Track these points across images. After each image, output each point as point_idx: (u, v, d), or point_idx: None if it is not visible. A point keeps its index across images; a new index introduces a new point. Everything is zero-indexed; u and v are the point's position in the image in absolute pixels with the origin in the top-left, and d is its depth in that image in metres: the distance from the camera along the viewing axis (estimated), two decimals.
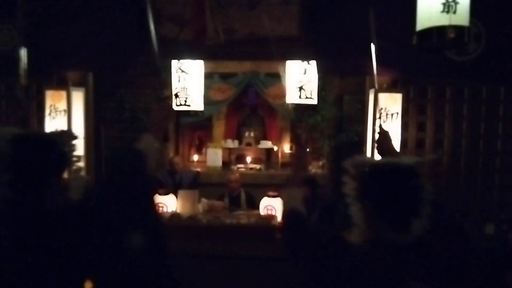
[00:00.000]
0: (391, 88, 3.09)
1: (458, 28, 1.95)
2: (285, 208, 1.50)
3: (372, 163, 1.30)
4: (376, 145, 1.80)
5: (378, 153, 1.76)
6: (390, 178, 1.20)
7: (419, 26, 2.06)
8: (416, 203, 1.18)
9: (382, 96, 3.01)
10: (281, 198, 1.60)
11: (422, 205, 1.18)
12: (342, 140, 4.41)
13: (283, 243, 1.46)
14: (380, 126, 1.84)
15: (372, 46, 2.50)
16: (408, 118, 3.20)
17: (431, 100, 3.25)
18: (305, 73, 3.86)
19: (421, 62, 3.01)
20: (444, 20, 1.94)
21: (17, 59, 3.30)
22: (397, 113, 3.00)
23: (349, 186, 1.28)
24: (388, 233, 1.17)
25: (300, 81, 3.87)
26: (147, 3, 1.59)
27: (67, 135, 1.33)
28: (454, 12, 1.94)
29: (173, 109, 1.68)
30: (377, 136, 1.81)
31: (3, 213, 1.16)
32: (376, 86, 2.54)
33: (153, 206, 1.44)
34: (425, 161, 1.27)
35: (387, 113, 3.00)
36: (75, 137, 1.35)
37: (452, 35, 1.93)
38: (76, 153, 1.34)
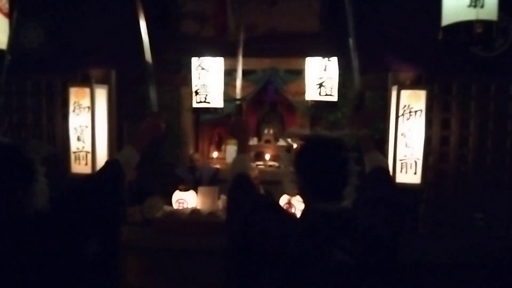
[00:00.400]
0: (414, 84, 3.03)
1: (485, 23, 1.89)
2: (235, 172, 1.57)
3: (304, 135, 1.36)
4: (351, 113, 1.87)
5: (351, 120, 1.82)
6: (319, 150, 1.27)
7: (444, 21, 2.01)
8: (343, 174, 1.24)
9: (405, 93, 2.96)
10: (232, 164, 1.68)
11: (349, 176, 1.24)
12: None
13: (226, 203, 1.52)
14: (360, 95, 1.91)
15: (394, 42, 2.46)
16: (432, 115, 3.14)
17: (456, 97, 3.17)
18: (325, 69, 3.81)
19: (446, 58, 2.95)
20: (471, 14, 1.89)
21: (43, 56, 3.39)
22: (421, 111, 2.94)
23: (285, 158, 1.38)
24: (317, 203, 1.24)
25: (320, 77, 3.82)
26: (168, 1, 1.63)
27: (40, 147, 1.32)
28: (482, 7, 1.88)
29: (160, 127, 1.77)
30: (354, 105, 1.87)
31: None
32: (399, 82, 2.49)
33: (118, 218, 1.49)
34: (353, 134, 1.40)
35: (411, 110, 2.94)
36: (47, 149, 1.33)
37: (479, 30, 1.88)
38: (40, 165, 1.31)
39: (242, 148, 1.71)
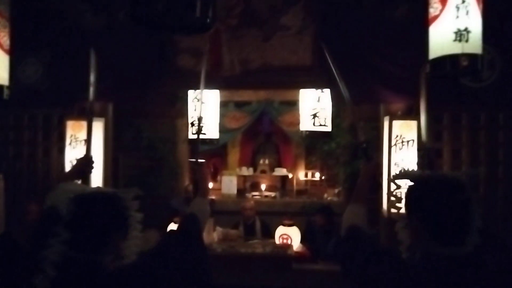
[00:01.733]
0: (405, 115, 3.09)
1: (471, 56, 1.98)
2: (347, 224, 1.46)
3: (418, 176, 1.26)
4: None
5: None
6: (439, 192, 1.17)
7: (431, 55, 2.09)
8: (466, 216, 1.14)
9: (396, 123, 3.02)
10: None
11: (472, 218, 1.15)
12: (357, 167, 4.38)
13: (340, 257, 1.44)
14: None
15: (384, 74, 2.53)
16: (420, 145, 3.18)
17: (447, 127, 3.23)
18: (318, 100, 3.91)
19: (436, 89, 3.02)
20: (456, 48, 1.97)
21: (40, 91, 3.45)
22: (413, 140, 2.99)
23: (393, 203, 1.28)
24: (438, 248, 1.14)
25: (314, 108, 3.90)
26: (166, 37, 1.69)
27: (131, 193, 1.33)
28: (467, 41, 1.96)
29: (207, 173, 1.85)
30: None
31: (62, 272, 1.16)
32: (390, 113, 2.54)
33: None
34: (472, 173, 1.25)
35: (403, 140, 2.99)
36: (138, 195, 1.34)
37: (465, 63, 1.96)
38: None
39: (359, 199, 1.55)
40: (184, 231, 1.52)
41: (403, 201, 1.24)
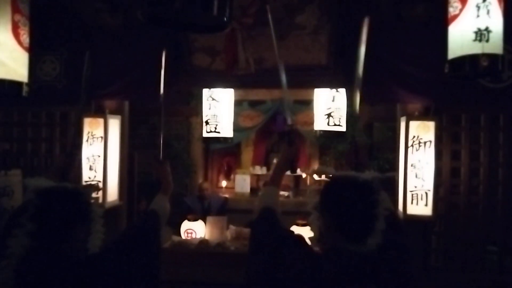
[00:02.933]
0: (423, 115, 3.05)
1: (491, 56, 1.93)
2: (261, 205, 1.53)
3: (331, 174, 1.35)
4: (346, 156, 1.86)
5: (347, 163, 1.82)
6: (348, 191, 1.25)
7: (450, 55, 2.05)
8: (371, 217, 1.21)
9: (413, 124, 2.97)
10: (259, 196, 1.63)
11: (377, 220, 1.21)
12: (372, 167, 4.34)
13: (250, 236, 1.51)
14: (355, 140, 1.89)
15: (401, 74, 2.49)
16: (442, 146, 3.13)
17: (465, 128, 3.18)
18: (333, 100, 3.88)
19: (454, 89, 2.97)
20: (476, 48, 1.93)
21: (58, 88, 3.50)
22: (430, 142, 2.94)
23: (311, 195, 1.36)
24: (344, 243, 1.22)
25: (329, 108, 3.88)
26: (182, 36, 1.71)
27: (92, 188, 1.44)
28: (487, 41, 1.92)
29: (168, 172, 1.83)
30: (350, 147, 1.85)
31: (25, 262, 1.22)
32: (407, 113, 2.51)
33: None
34: (383, 178, 1.32)
35: (420, 141, 2.94)
36: (99, 189, 1.46)
37: (485, 64, 1.91)
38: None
39: (275, 181, 1.60)
40: (143, 227, 1.55)
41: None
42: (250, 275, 1.37)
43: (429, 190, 2.94)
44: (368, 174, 1.29)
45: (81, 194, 1.36)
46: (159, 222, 1.61)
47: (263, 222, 1.46)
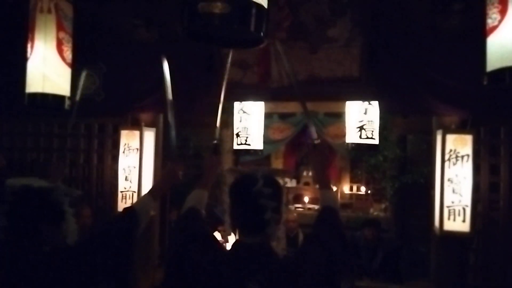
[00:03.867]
0: (460, 128, 2.97)
1: None
2: (187, 205, 1.61)
3: (239, 172, 1.43)
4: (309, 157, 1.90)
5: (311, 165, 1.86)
6: (239, 186, 1.36)
7: (489, 67, 1.99)
8: (257, 208, 1.27)
9: (450, 137, 2.90)
10: (188, 197, 1.69)
11: (263, 211, 1.27)
12: (406, 181, 4.24)
13: (172, 231, 1.63)
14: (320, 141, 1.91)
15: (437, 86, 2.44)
16: (480, 160, 3.03)
17: (504, 141, 3.06)
18: (365, 113, 3.82)
19: (493, 101, 2.88)
20: None
21: (96, 101, 3.65)
22: (468, 155, 2.85)
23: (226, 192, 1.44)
24: (242, 236, 1.32)
25: (361, 121, 3.83)
26: (215, 50, 1.78)
27: (68, 190, 1.54)
28: None
29: (177, 175, 1.87)
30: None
31: None
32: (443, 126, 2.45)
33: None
34: (277, 171, 1.37)
35: (457, 155, 2.86)
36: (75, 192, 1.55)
37: None
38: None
39: (203, 184, 1.74)
40: (121, 226, 1.56)
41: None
42: (164, 269, 1.45)
43: (466, 206, 2.84)
44: (264, 169, 1.43)
45: (52, 194, 1.44)
46: (137, 221, 1.59)
47: (187, 219, 1.57)
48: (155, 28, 3.47)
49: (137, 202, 1.76)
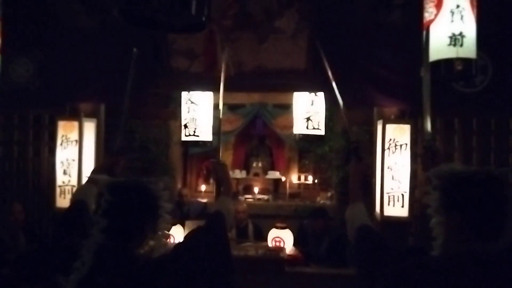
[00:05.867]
0: (399, 119, 3.10)
1: (465, 61, 1.98)
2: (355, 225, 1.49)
3: (458, 172, 1.25)
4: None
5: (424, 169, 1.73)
6: (480, 188, 1.18)
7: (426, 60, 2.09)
8: (503, 213, 1.16)
9: (390, 127, 3.03)
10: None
11: (508, 216, 1.16)
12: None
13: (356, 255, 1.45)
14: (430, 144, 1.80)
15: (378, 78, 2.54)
16: (417, 149, 3.19)
17: (440, 131, 3.25)
18: (312, 104, 3.90)
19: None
20: (451, 53, 1.98)
21: (31, 90, 3.41)
22: (406, 144, 3.00)
23: (433, 197, 1.24)
24: (474, 243, 1.15)
25: (308, 112, 3.89)
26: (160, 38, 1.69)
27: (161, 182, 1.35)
28: (461, 45, 1.97)
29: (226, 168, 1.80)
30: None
31: (98, 261, 1.19)
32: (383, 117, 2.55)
33: None
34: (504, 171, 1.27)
35: (396, 144, 3.00)
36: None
37: (459, 68, 1.96)
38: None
39: (355, 197, 1.62)
40: (210, 228, 1.50)
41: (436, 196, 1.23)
42: None
43: (405, 192, 2.99)
44: (492, 169, 1.24)
45: (151, 189, 1.30)
46: (225, 222, 1.55)
47: (367, 242, 1.43)
48: (96, 14, 3.30)
49: (216, 204, 1.64)
